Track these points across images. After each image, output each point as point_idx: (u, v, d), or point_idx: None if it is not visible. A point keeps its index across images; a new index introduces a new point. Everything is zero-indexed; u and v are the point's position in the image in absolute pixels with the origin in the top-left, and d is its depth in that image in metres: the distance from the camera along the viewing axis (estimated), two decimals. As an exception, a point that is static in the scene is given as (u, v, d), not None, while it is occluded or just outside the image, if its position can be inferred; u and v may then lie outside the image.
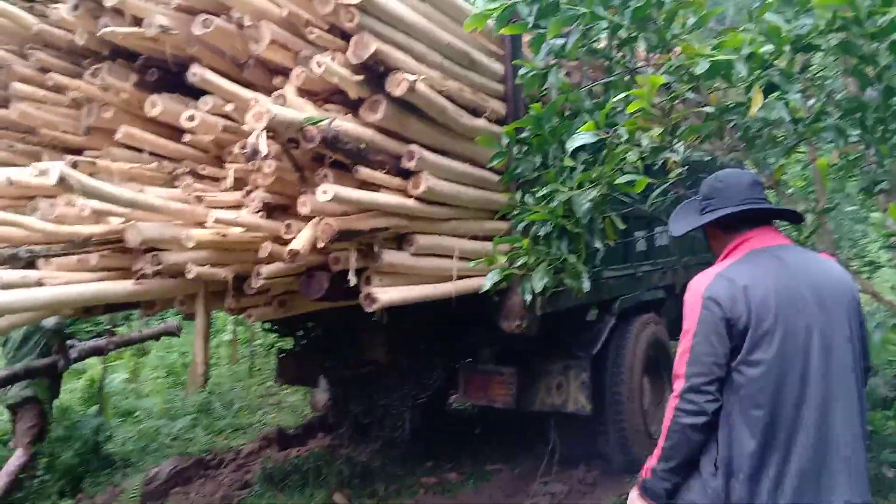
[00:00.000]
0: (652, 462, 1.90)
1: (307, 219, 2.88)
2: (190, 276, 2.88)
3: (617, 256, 4.62)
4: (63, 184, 2.41)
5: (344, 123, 2.88)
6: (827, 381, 1.72)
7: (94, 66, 3.47)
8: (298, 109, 2.83)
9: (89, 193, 2.57)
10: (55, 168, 2.41)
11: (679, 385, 1.81)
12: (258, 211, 3.03)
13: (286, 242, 2.85)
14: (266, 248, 2.92)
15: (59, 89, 3.56)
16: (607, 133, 2.58)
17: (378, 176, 3.02)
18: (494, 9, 2.88)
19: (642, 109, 2.41)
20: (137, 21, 3.15)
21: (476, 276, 3.43)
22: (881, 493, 3.76)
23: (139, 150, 3.47)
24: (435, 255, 3.36)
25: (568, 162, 2.91)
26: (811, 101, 2.86)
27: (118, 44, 3.28)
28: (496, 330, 3.83)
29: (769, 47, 2.56)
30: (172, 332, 6.36)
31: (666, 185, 2.99)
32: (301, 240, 2.77)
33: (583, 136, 2.57)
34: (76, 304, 3.11)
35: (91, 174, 2.83)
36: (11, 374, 4.86)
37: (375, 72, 2.94)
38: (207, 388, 6.86)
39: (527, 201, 3.14)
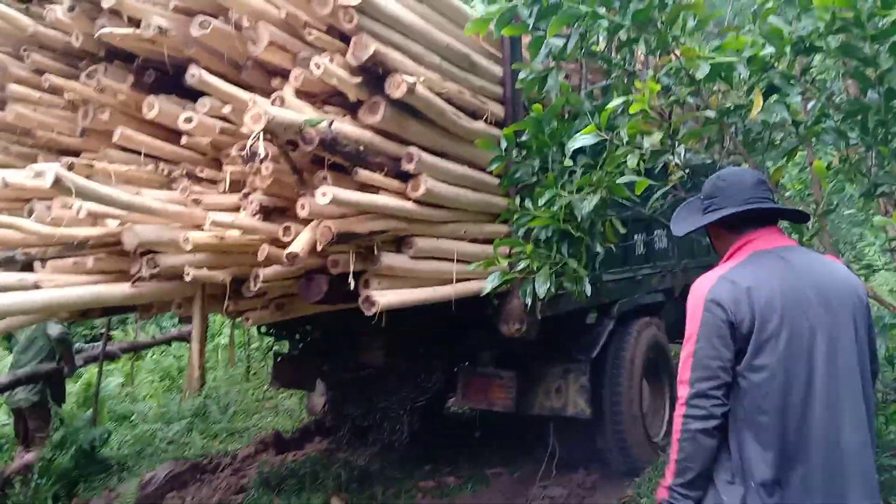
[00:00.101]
0: (667, 480, 1.79)
1: (306, 221, 2.87)
2: (187, 278, 2.87)
3: (616, 260, 4.60)
4: (59, 186, 2.39)
5: (343, 125, 2.86)
6: (833, 385, 1.69)
7: (90, 67, 3.45)
8: (297, 111, 2.82)
9: (85, 195, 2.55)
10: (51, 170, 2.39)
11: (684, 392, 1.75)
12: (256, 213, 3.01)
13: (284, 245, 2.83)
14: (264, 250, 2.90)
15: (54, 91, 3.54)
16: (608, 135, 2.56)
17: (377, 178, 3.00)
18: (495, 11, 2.87)
19: (643, 111, 2.40)
20: (134, 22, 3.13)
21: (475, 279, 3.42)
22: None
23: (136, 153, 3.45)
24: (434, 258, 3.34)
25: (568, 163, 2.89)
26: (811, 104, 2.85)
27: (115, 45, 3.27)
28: (495, 333, 3.81)
29: (770, 49, 2.55)
30: (185, 339, 6.35)
31: (666, 188, 2.98)
32: (300, 242, 2.75)
33: (584, 138, 2.55)
34: (72, 307, 3.09)
35: (87, 176, 2.81)
36: (15, 378, 4.98)
37: (374, 74, 2.92)
38: (203, 392, 6.84)
39: (527, 205, 3.13)
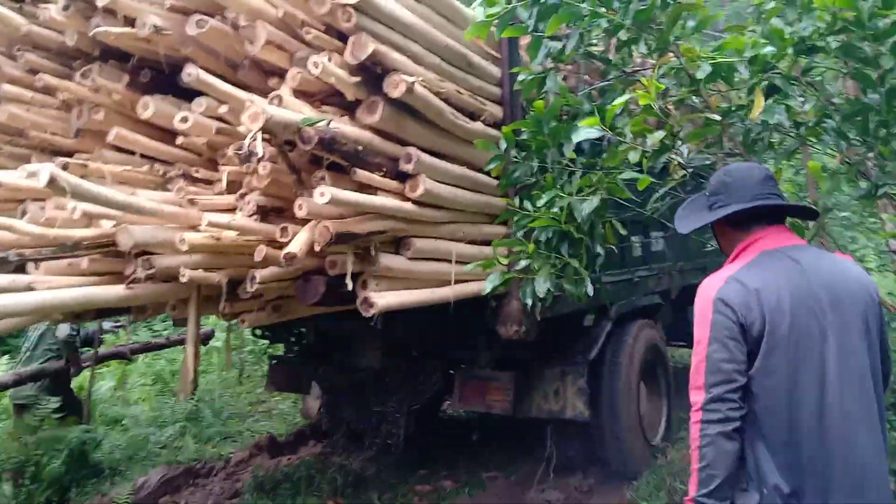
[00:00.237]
0: (691, 493, 1.71)
1: (303, 222, 2.84)
2: (183, 280, 2.83)
3: (614, 261, 4.59)
4: (53, 185, 2.35)
5: (341, 125, 2.84)
6: (846, 389, 1.65)
7: (84, 67, 3.41)
8: (295, 111, 2.79)
9: (80, 196, 2.50)
10: (45, 169, 2.35)
11: (700, 397, 1.68)
12: (253, 214, 2.98)
13: (281, 246, 2.79)
14: (261, 251, 2.87)
15: (48, 91, 3.50)
16: (611, 132, 2.54)
17: (375, 178, 2.98)
18: (496, 13, 2.85)
19: (648, 107, 2.38)
20: (130, 21, 3.09)
21: (474, 280, 3.39)
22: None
23: (131, 153, 3.41)
24: (433, 260, 3.32)
25: (571, 155, 2.87)
26: (810, 105, 2.84)
27: (110, 44, 3.23)
28: (493, 335, 3.79)
29: (771, 49, 2.54)
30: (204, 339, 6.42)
31: (667, 188, 2.96)
32: (298, 243, 2.72)
33: (587, 130, 2.52)
34: (66, 309, 3.04)
35: (82, 177, 2.77)
36: (19, 377, 5.15)
37: (373, 73, 2.90)
38: (196, 396, 6.79)
39: (526, 206, 3.11)
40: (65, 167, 3.00)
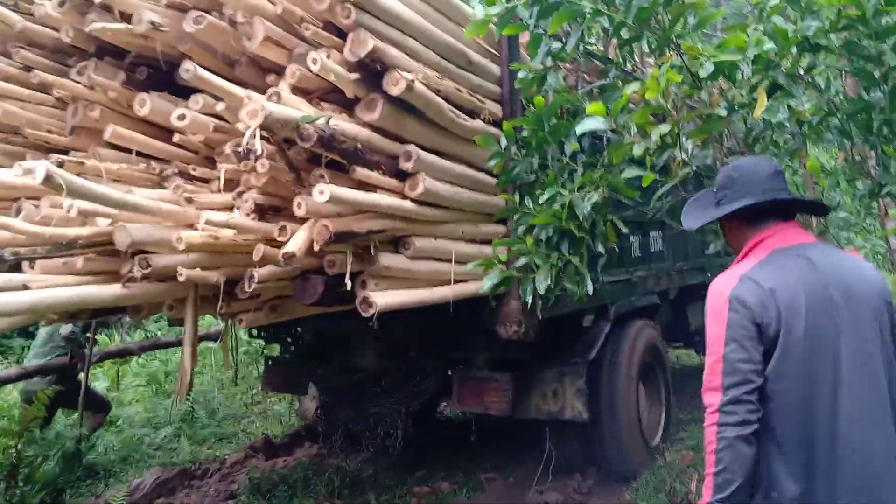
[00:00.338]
0: (705, 498, 1.65)
1: (302, 220, 2.81)
2: (180, 279, 2.80)
3: (613, 261, 4.58)
4: (49, 183, 2.31)
5: (341, 123, 2.81)
6: (861, 392, 1.62)
7: (80, 64, 3.38)
8: (294, 108, 2.76)
9: (76, 193, 2.47)
10: (41, 167, 2.31)
11: (716, 399, 1.63)
12: (251, 212, 2.95)
13: (280, 245, 2.76)
14: (259, 250, 2.84)
15: (43, 88, 3.46)
16: (615, 124, 2.52)
17: (375, 177, 2.95)
18: (496, 13, 2.84)
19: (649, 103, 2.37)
20: (126, 17, 3.06)
21: (473, 279, 3.37)
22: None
23: (127, 151, 3.38)
24: (432, 259, 3.29)
25: (574, 147, 2.85)
26: (811, 103, 2.83)
27: (106, 41, 3.20)
28: (492, 336, 3.76)
29: (772, 46, 2.52)
30: (212, 339, 6.51)
31: (669, 186, 2.95)
32: (296, 242, 2.69)
33: (592, 121, 2.49)
34: (61, 309, 3.00)
35: (78, 174, 2.74)
36: (24, 371, 5.41)
37: (372, 70, 2.87)
38: (191, 397, 6.75)
39: (526, 204, 3.09)
40: (60, 164, 2.96)
